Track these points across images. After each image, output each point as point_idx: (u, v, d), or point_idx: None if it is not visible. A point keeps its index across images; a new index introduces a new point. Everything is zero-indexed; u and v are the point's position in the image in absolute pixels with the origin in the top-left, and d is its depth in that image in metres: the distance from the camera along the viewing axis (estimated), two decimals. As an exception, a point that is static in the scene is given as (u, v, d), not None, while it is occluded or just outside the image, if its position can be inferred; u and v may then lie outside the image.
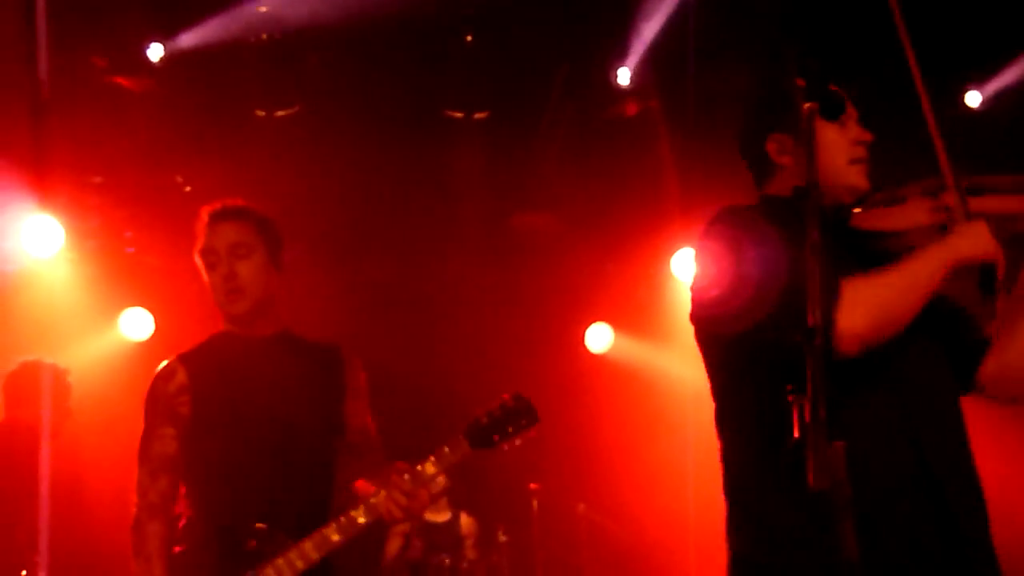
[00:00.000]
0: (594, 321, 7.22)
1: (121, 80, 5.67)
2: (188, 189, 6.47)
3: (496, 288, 6.92)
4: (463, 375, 6.77)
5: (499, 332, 6.92)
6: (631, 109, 6.26)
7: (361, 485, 2.75)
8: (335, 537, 2.61)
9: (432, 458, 2.63)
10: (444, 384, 6.73)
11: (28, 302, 5.73)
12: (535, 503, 6.03)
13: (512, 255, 6.92)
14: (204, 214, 2.83)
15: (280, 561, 2.59)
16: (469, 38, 5.65)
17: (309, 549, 2.60)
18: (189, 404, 2.78)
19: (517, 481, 6.62)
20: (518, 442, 2.60)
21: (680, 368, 6.53)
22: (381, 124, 5.76)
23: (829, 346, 1.57)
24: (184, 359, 2.86)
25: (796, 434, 1.46)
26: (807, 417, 1.45)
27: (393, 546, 6.10)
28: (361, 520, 2.60)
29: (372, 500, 2.60)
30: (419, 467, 2.62)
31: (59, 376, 4.53)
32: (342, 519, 2.61)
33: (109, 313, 6.27)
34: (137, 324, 6.28)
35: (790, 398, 1.48)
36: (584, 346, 7.24)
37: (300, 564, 2.59)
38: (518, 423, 2.63)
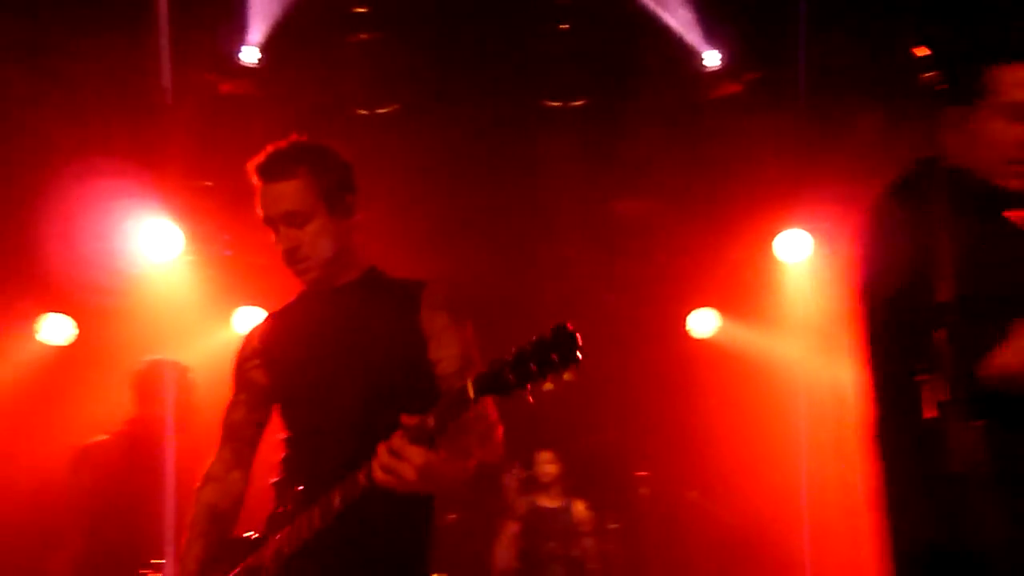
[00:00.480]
0: (697, 306, 7.13)
1: (224, 85, 5.82)
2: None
3: (595, 276, 6.89)
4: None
5: (600, 320, 6.88)
6: (728, 89, 6.14)
7: None
8: (335, 502, 2.25)
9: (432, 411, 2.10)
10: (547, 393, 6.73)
11: (149, 302, 5.99)
12: (644, 491, 6.00)
13: (611, 242, 6.88)
14: (252, 172, 2.53)
15: (290, 529, 2.35)
16: (564, 27, 5.63)
17: (315, 516, 2.29)
18: (262, 368, 2.63)
19: (624, 469, 6.61)
20: (547, 385, 1.94)
21: (789, 351, 6.40)
22: (479, 116, 5.79)
23: (964, 326, 1.52)
24: (264, 322, 2.73)
25: (930, 414, 1.42)
26: (942, 396, 1.40)
27: (506, 532, 6.16)
28: (361, 481, 2.18)
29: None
30: (416, 420, 2.07)
31: (183, 374, 4.72)
32: (346, 480, 2.22)
33: (224, 312, 6.52)
34: (251, 321, 6.50)
35: (920, 377, 1.44)
36: (687, 332, 7.16)
37: (305, 532, 2.30)
38: (546, 362, 1.95)
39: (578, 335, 1.91)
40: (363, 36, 5.59)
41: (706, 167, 6.33)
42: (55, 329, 6.27)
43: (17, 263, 5.75)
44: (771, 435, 6.41)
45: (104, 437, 4.49)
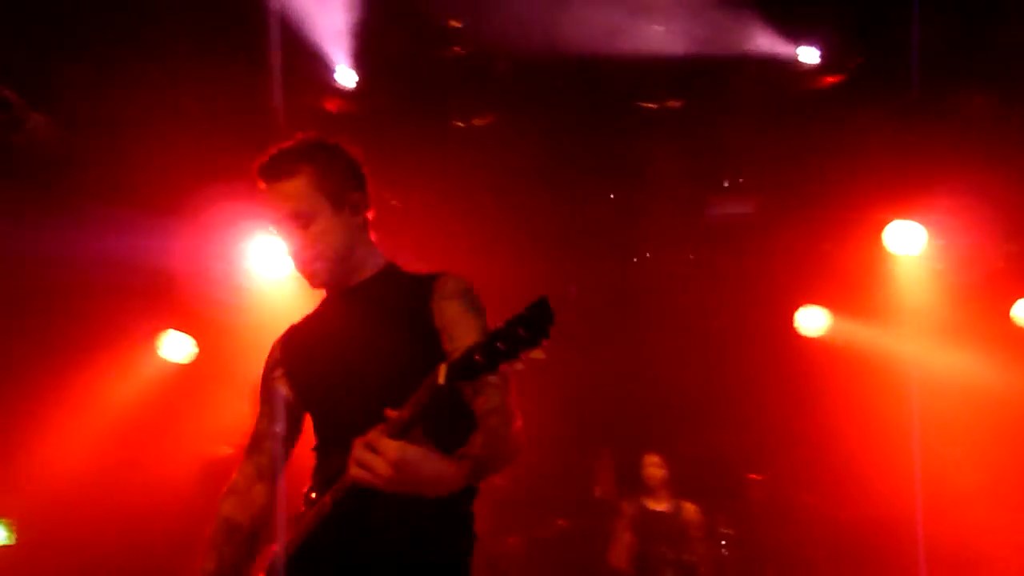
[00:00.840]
0: (805, 303, 6.97)
1: (327, 105, 5.96)
2: (395, 203, 6.81)
3: (699, 277, 6.82)
4: (669, 368, 6.73)
5: (705, 321, 6.82)
6: (829, 80, 5.98)
7: None
8: (327, 501, 2.13)
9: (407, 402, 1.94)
10: (650, 379, 6.68)
11: (266, 318, 6.20)
12: (757, 494, 5.87)
13: (714, 242, 6.79)
14: (255, 173, 2.42)
15: (291, 532, 2.27)
16: (658, 27, 5.59)
17: (309, 518, 2.19)
18: (284, 378, 2.53)
19: (735, 472, 6.50)
20: (517, 365, 1.78)
21: (903, 347, 6.19)
22: (575, 121, 5.79)
23: None
24: (287, 332, 2.62)
25: None
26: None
27: (620, 537, 6.13)
28: (344, 480, 2.04)
29: None
30: (395, 414, 1.92)
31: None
32: (338, 480, 2.10)
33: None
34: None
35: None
36: (795, 330, 7.00)
37: (301, 535, 2.20)
38: (515, 340, 1.77)
39: (549, 306, 1.75)
40: (457, 49, 5.65)
41: (809, 160, 6.18)
42: (176, 347, 6.55)
43: (142, 284, 6.02)
44: (885, 433, 6.22)
45: (229, 450, 4.63)
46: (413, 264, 2.55)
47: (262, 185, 2.38)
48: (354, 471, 1.87)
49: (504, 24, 5.25)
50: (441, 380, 1.83)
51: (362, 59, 5.74)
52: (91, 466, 5.72)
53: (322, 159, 2.37)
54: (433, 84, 5.86)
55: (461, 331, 2.24)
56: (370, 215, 2.45)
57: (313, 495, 2.28)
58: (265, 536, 2.51)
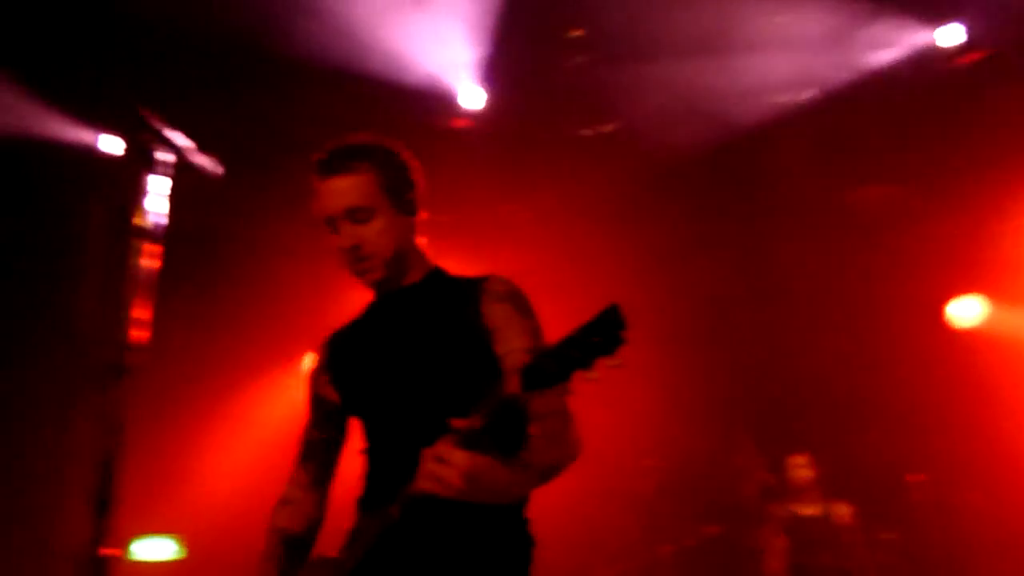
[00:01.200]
0: (958, 293, 6.61)
1: (447, 123, 6.05)
2: (520, 215, 6.85)
3: (842, 270, 6.56)
4: (814, 366, 6.49)
5: (852, 316, 6.55)
6: (969, 59, 5.68)
7: None
8: (394, 512, 2.07)
9: (478, 410, 1.90)
10: (796, 378, 6.46)
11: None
12: (918, 495, 5.56)
13: (855, 233, 6.53)
14: (312, 164, 2.40)
15: (351, 542, 2.22)
16: (779, 19, 5.44)
17: (374, 528, 2.13)
18: (331, 383, 2.51)
19: (891, 472, 6.20)
20: (593, 374, 1.72)
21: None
22: (703, 119, 5.68)
23: None
24: (330, 337, 2.60)
25: None
26: None
27: (774, 546, 5.94)
28: (410, 490, 2.00)
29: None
30: (461, 423, 1.90)
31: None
32: (402, 490, 2.05)
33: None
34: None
35: None
36: (947, 322, 6.65)
37: (363, 547, 2.15)
38: (590, 347, 1.72)
39: (621, 313, 1.71)
40: (579, 59, 5.65)
41: (952, 142, 5.87)
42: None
43: (280, 308, 6.25)
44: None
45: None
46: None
47: (319, 179, 2.36)
48: (425, 483, 1.87)
49: (627, 28, 5.22)
50: (514, 389, 1.80)
51: (488, 78, 5.81)
52: (255, 481, 5.98)
53: (384, 157, 2.37)
54: (557, 95, 5.88)
55: (512, 334, 2.24)
56: (422, 219, 2.43)
57: (370, 503, 2.29)
58: (318, 543, 2.52)
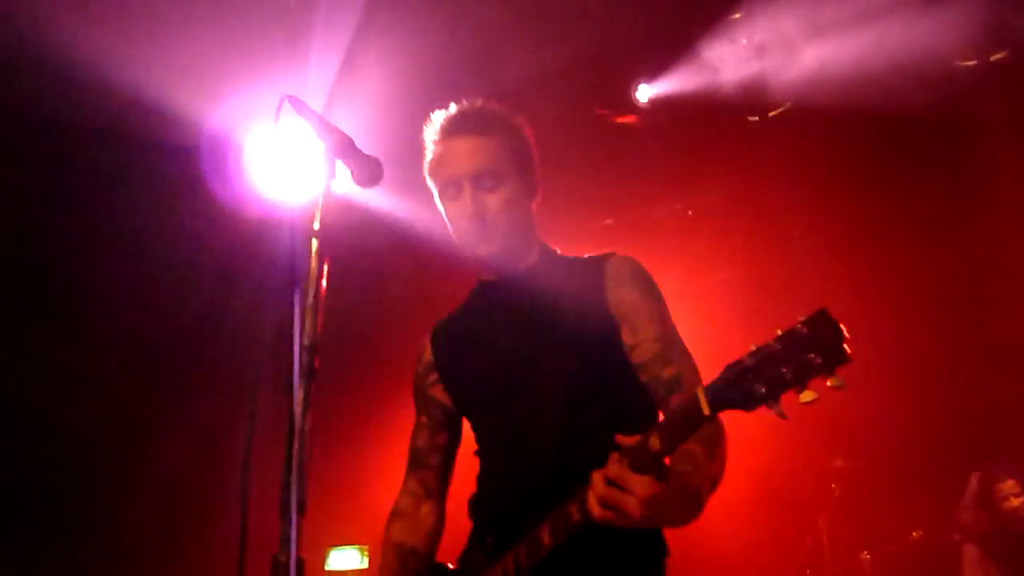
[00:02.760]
0: None
1: (618, 118, 5.91)
2: (690, 213, 6.63)
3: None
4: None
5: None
6: None
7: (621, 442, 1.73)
8: (544, 538, 1.87)
9: (656, 430, 1.67)
10: (995, 382, 5.87)
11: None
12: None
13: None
14: (436, 123, 2.23)
15: (498, 567, 2.00)
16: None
17: (521, 555, 1.94)
18: (439, 383, 2.35)
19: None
20: (806, 396, 1.48)
21: None
22: (878, 92, 5.26)
23: None
24: (435, 329, 2.41)
25: None
26: None
27: (968, 555, 5.49)
28: (573, 516, 1.79)
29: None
30: (635, 441, 1.68)
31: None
32: (556, 513, 1.86)
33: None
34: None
35: None
36: None
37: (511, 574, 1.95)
38: (804, 365, 1.48)
39: (841, 324, 1.45)
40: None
41: None
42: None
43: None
44: None
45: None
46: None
47: (444, 137, 2.20)
48: (598, 511, 1.67)
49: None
50: (706, 410, 1.59)
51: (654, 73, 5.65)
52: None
53: (517, 129, 2.25)
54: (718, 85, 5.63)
55: (642, 322, 2.06)
56: (539, 202, 2.30)
57: (487, 505, 2.16)
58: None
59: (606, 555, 1.97)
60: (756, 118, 5.62)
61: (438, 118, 2.23)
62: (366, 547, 6.46)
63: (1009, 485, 5.42)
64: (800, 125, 5.57)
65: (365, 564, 6.44)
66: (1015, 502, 5.37)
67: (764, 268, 6.04)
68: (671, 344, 2.06)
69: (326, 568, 6.43)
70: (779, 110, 5.55)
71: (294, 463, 1.51)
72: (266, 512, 1.64)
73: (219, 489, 5.01)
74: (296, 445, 1.54)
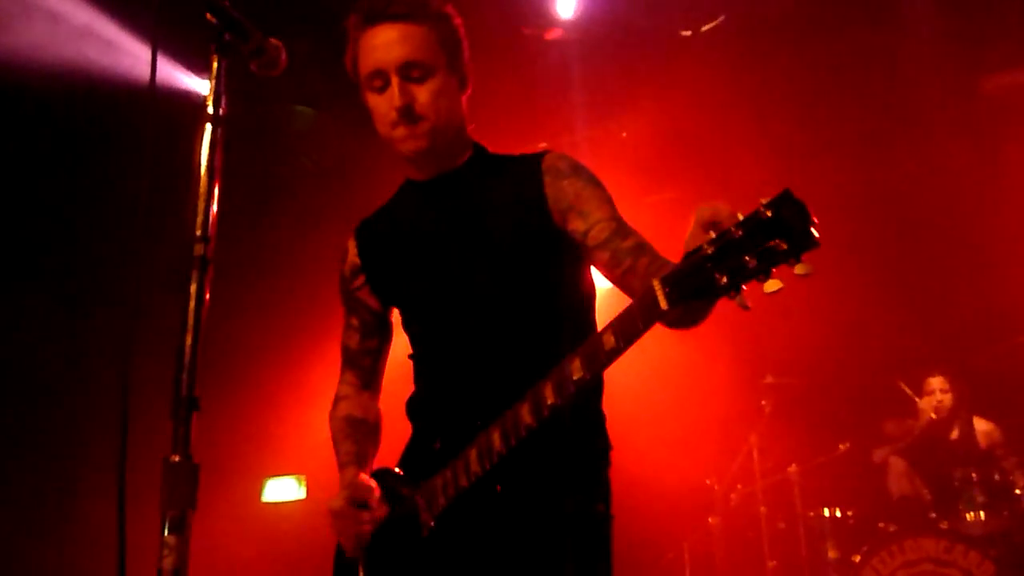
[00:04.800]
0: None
1: (538, 33, 5.75)
2: (625, 135, 6.55)
3: (974, 169, 6.03)
4: (954, 278, 6.00)
5: (986, 219, 6.01)
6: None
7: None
8: (497, 444, 1.86)
9: (609, 327, 1.68)
10: (934, 292, 5.98)
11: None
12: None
13: (989, 128, 5.98)
14: (359, 12, 2.09)
15: (444, 475, 1.99)
16: None
17: (472, 461, 1.93)
18: (367, 285, 2.29)
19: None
20: (771, 284, 1.38)
21: None
22: (814, 8, 5.21)
23: None
24: (359, 229, 2.33)
25: None
26: None
27: (894, 467, 5.64)
28: (526, 420, 1.81)
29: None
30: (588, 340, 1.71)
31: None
32: (507, 416, 1.85)
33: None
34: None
35: None
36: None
37: (462, 480, 1.94)
38: (767, 251, 1.38)
39: (800, 204, 1.35)
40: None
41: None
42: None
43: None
44: None
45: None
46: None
47: (366, 26, 2.05)
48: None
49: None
50: (664, 304, 1.53)
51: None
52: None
53: (447, 16, 2.10)
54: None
55: (591, 206, 2.01)
56: (469, 94, 2.17)
57: (425, 408, 2.14)
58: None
59: (554, 451, 1.95)
60: (689, 32, 5.51)
61: (362, 3, 2.08)
62: (303, 476, 6.38)
63: (938, 380, 5.59)
64: (734, 39, 5.49)
65: (303, 494, 6.36)
66: (940, 396, 5.54)
67: (700, 188, 6.00)
68: (623, 222, 2.02)
69: (263, 499, 6.36)
70: (712, 24, 5.46)
71: (186, 357, 1.42)
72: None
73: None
74: (188, 339, 1.45)
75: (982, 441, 5.56)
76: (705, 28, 5.48)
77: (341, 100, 5.50)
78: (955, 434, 5.57)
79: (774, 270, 1.39)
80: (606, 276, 2.01)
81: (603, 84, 6.01)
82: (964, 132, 5.92)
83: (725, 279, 1.42)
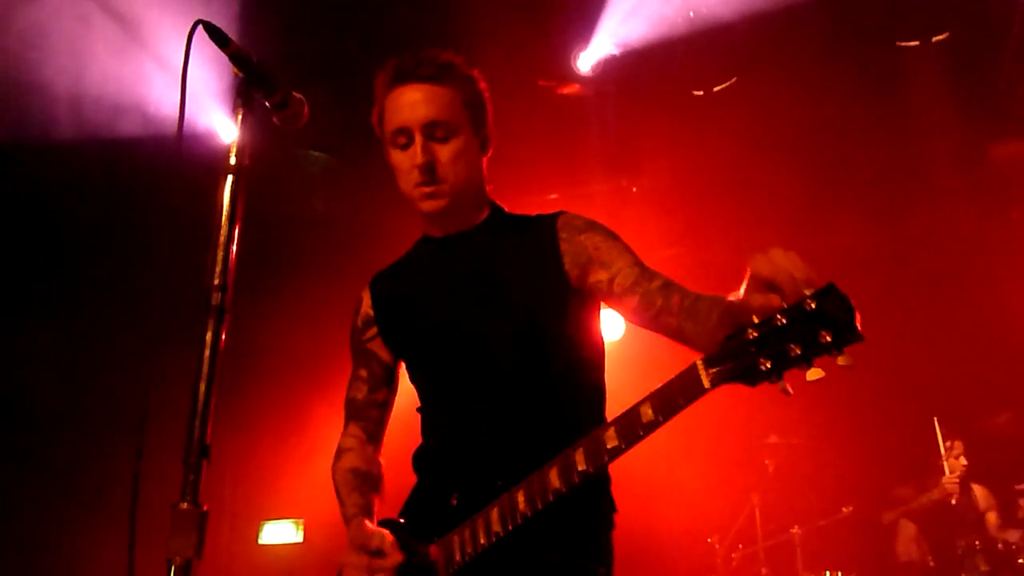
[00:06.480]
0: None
1: (557, 88, 5.84)
2: (635, 190, 6.61)
3: (982, 233, 6.06)
4: (963, 348, 5.98)
5: (987, 285, 6.02)
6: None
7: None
8: (522, 505, 1.84)
9: (648, 399, 1.68)
10: (941, 365, 5.94)
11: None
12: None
13: (995, 193, 6.02)
14: (388, 71, 2.13)
15: (466, 530, 1.96)
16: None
17: (493, 519, 1.90)
18: (379, 338, 2.30)
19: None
20: (813, 373, 1.42)
21: None
22: (826, 72, 5.29)
23: None
24: (374, 282, 2.35)
25: None
26: None
27: (904, 531, 5.59)
28: (555, 484, 1.80)
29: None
30: (626, 411, 1.71)
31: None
32: (535, 479, 1.84)
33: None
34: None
35: None
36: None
37: (482, 538, 1.91)
38: (813, 341, 1.40)
39: (851, 299, 1.37)
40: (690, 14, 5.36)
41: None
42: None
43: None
44: None
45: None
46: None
47: (395, 85, 2.10)
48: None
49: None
50: (706, 384, 1.55)
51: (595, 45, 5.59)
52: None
53: (472, 79, 2.16)
54: (666, 58, 5.60)
55: (612, 256, 2.03)
56: (489, 157, 2.22)
57: (432, 462, 2.13)
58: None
59: (559, 513, 1.92)
60: (701, 92, 5.59)
61: (391, 64, 2.14)
62: (301, 520, 6.33)
63: (958, 444, 5.57)
64: (746, 100, 5.56)
65: (300, 538, 6.32)
66: (965, 461, 5.53)
67: (707, 245, 6.03)
68: (645, 266, 2.04)
69: (260, 542, 6.31)
70: (724, 85, 5.53)
71: (199, 404, 1.43)
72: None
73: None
74: (202, 386, 1.46)
75: (981, 505, 5.52)
76: (717, 88, 5.55)
77: (356, 147, 5.60)
78: (955, 499, 5.53)
79: (816, 359, 1.42)
80: (636, 321, 2.01)
81: (615, 139, 6.08)
82: (975, 195, 5.96)
83: (768, 364, 1.45)
